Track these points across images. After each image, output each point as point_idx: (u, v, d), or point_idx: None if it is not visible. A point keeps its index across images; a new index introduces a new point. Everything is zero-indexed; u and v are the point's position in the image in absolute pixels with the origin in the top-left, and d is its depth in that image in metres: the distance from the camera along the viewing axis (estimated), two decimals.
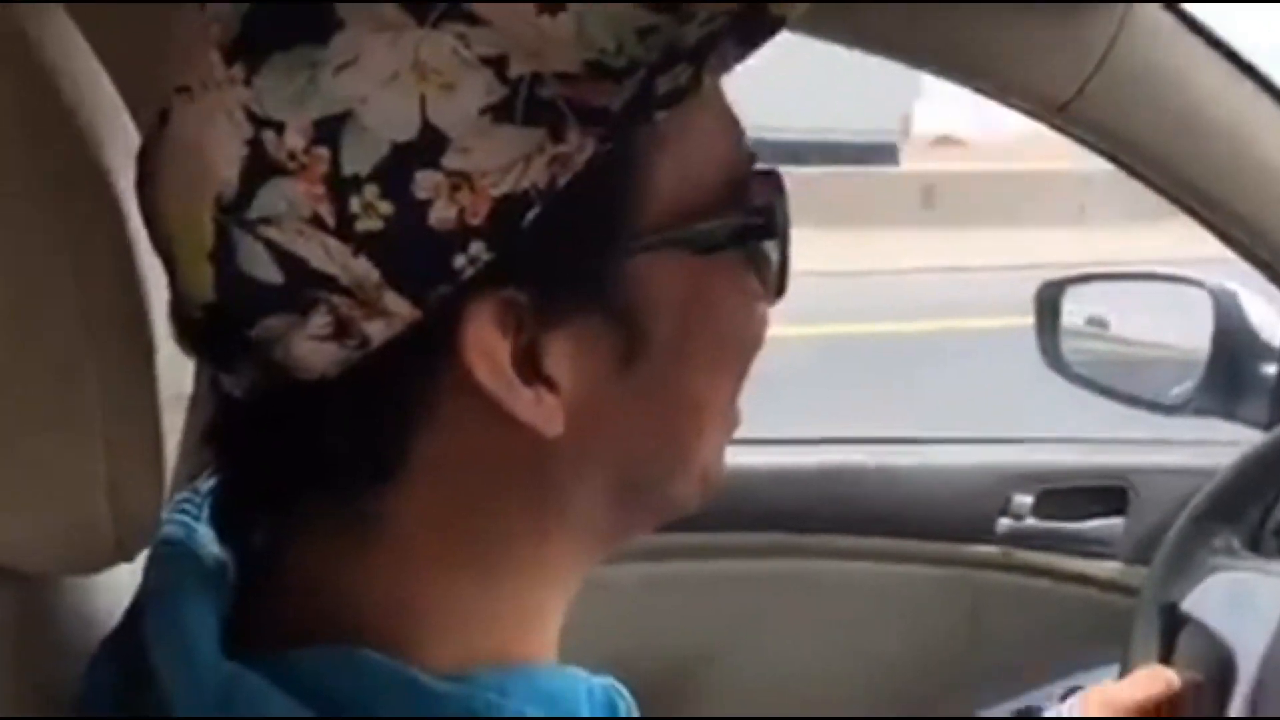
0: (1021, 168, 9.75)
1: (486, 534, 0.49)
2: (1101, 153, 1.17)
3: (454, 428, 0.47)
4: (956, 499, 1.43)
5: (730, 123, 0.51)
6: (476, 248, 0.44)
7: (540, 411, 0.46)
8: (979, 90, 1.16)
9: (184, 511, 0.53)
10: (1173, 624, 1.03)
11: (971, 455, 1.50)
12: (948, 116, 12.96)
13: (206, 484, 0.54)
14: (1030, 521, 1.41)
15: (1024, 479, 1.41)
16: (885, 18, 1.08)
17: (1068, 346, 1.24)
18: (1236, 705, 0.92)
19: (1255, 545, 1.17)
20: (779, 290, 0.53)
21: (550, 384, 0.46)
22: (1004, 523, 1.41)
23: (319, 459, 0.47)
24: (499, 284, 0.44)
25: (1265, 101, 1.12)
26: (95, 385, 0.48)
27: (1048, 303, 1.24)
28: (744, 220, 0.50)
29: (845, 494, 1.44)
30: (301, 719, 0.44)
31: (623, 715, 0.53)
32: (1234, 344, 1.17)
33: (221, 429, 0.50)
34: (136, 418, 0.50)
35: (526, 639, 0.51)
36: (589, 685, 0.51)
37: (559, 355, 0.46)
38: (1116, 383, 1.23)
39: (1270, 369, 1.18)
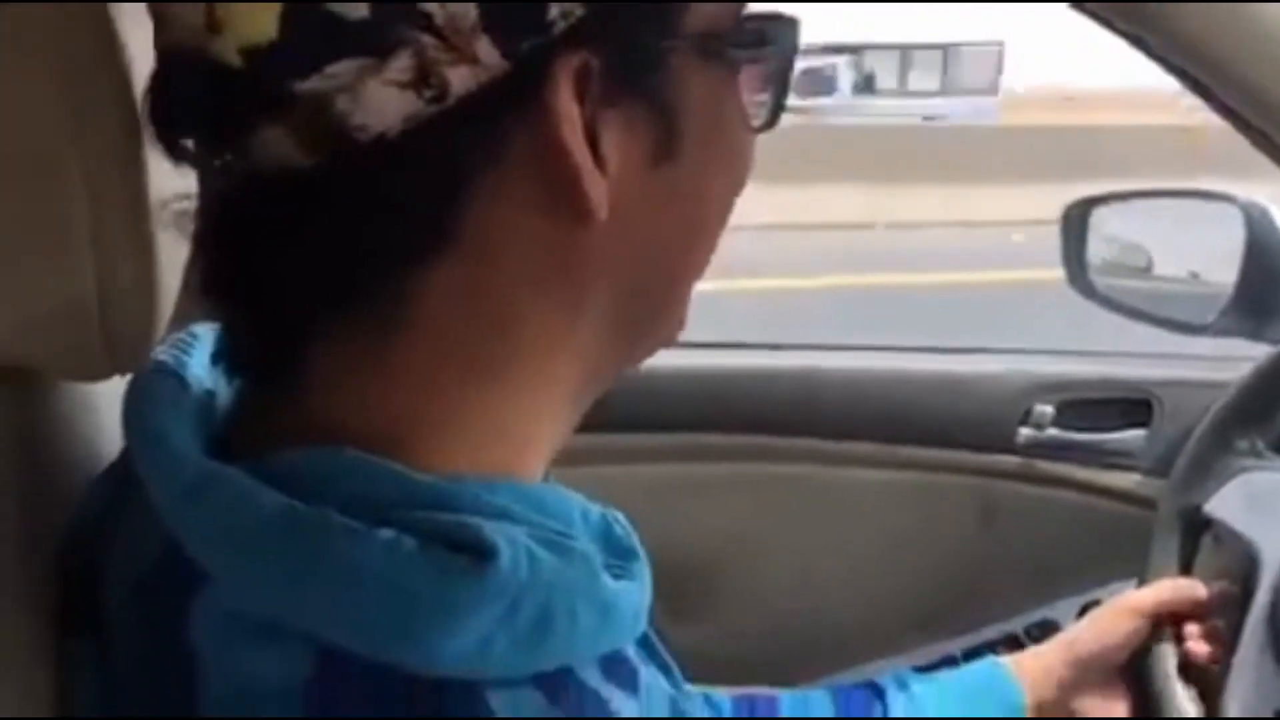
0: None
1: (507, 332, 0.48)
2: (1121, 33, 1.10)
3: (505, 203, 0.46)
4: (978, 408, 1.41)
5: None
6: (570, 3, 0.43)
7: (599, 190, 0.46)
8: None
9: (176, 346, 0.54)
10: (1195, 527, 1.03)
11: (993, 364, 1.47)
12: None
13: (202, 327, 0.55)
14: (1051, 432, 1.40)
15: (1046, 389, 1.40)
16: None
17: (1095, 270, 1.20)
18: (1260, 600, 0.92)
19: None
20: (769, 124, 0.55)
21: (603, 165, 0.46)
22: (1024, 433, 1.40)
23: (354, 242, 0.44)
24: (579, 46, 0.44)
25: None
26: (81, 189, 0.48)
27: (1074, 222, 1.20)
28: (766, 47, 0.53)
29: (868, 400, 1.44)
30: (276, 503, 0.43)
31: (620, 538, 0.52)
32: (1264, 263, 1.13)
33: (221, 225, 0.47)
34: (125, 227, 0.50)
35: (520, 461, 0.50)
36: (584, 506, 0.51)
37: (611, 136, 0.46)
38: (1142, 304, 1.20)
39: None
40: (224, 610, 0.44)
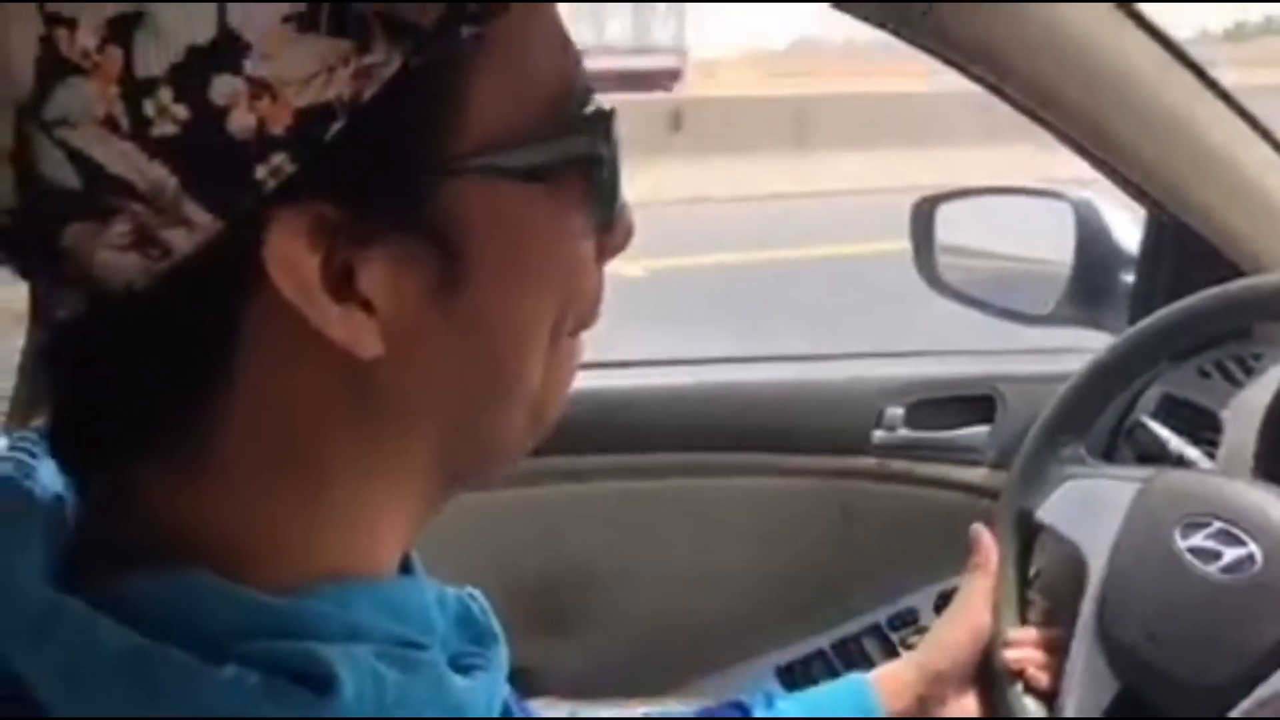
0: None
1: (316, 460, 0.49)
2: (958, 66, 1.19)
3: (272, 348, 0.46)
4: (832, 413, 1.46)
5: (562, 50, 0.51)
6: (279, 159, 0.43)
7: (350, 331, 0.46)
8: (837, 5, 1.17)
9: (20, 449, 0.52)
10: (1028, 531, 1.08)
11: (845, 370, 1.53)
12: None
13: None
14: (903, 432, 1.45)
15: (896, 391, 1.46)
16: None
17: (942, 262, 1.27)
18: (1087, 604, 0.97)
19: (1109, 454, 1.24)
20: (608, 226, 0.53)
21: (365, 305, 0.46)
22: (878, 434, 1.45)
23: (141, 378, 0.46)
24: (307, 198, 0.44)
25: (1117, 13, 1.16)
26: None
27: (922, 219, 1.27)
28: (567, 151, 0.49)
29: (726, 412, 1.47)
30: (119, 641, 0.43)
31: (478, 620, 0.54)
32: (1095, 254, 1.22)
33: (49, 352, 0.48)
34: None
35: (370, 558, 0.51)
36: (439, 592, 0.52)
37: (374, 276, 0.46)
38: (987, 296, 1.27)
39: (1129, 278, 1.23)
40: None
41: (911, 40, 1.17)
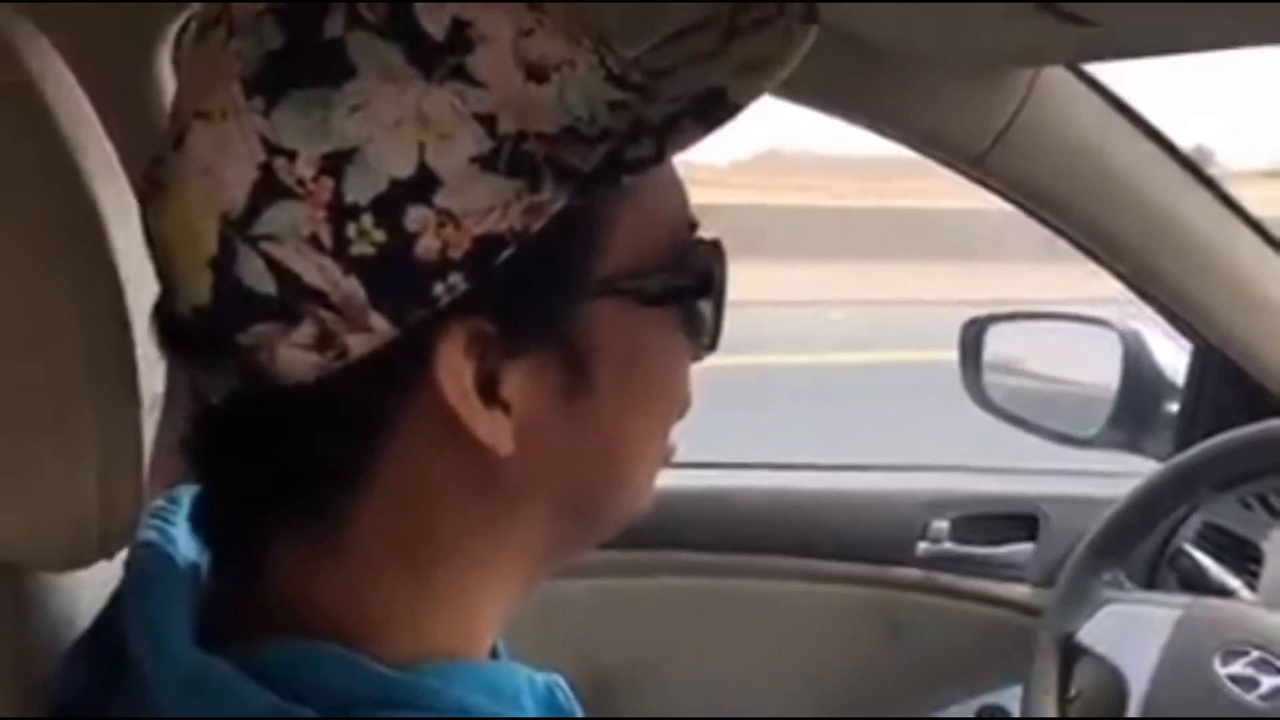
0: None
1: (437, 546, 0.53)
2: (1016, 202, 1.25)
3: (415, 443, 0.51)
4: (880, 523, 1.49)
5: (679, 191, 0.57)
6: (455, 278, 0.48)
7: (494, 432, 0.51)
8: (902, 141, 1.23)
9: (160, 517, 0.58)
10: (1070, 653, 1.11)
11: (894, 482, 1.56)
12: None
13: (182, 491, 0.59)
14: (947, 545, 1.47)
15: (942, 505, 1.48)
16: (816, 75, 1.15)
17: (989, 381, 1.30)
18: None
19: (1151, 580, 1.26)
20: (710, 347, 0.59)
21: (505, 408, 0.51)
22: (923, 546, 1.48)
23: (292, 463, 0.51)
24: (471, 313, 0.49)
25: (1162, 156, 1.22)
26: (87, 394, 0.52)
27: (970, 340, 1.30)
28: (684, 280, 0.56)
29: (778, 517, 1.50)
30: (263, 703, 0.48)
31: (562, 705, 0.58)
32: (1140, 382, 1.24)
33: (199, 436, 0.53)
34: (123, 423, 0.54)
35: (471, 640, 0.55)
36: (530, 677, 0.56)
37: (515, 383, 0.51)
38: (1032, 416, 1.29)
39: (1173, 406, 1.26)
40: None
41: (970, 175, 1.23)
